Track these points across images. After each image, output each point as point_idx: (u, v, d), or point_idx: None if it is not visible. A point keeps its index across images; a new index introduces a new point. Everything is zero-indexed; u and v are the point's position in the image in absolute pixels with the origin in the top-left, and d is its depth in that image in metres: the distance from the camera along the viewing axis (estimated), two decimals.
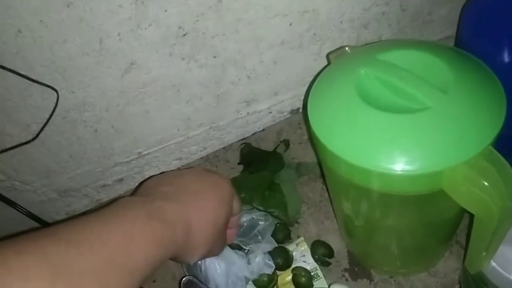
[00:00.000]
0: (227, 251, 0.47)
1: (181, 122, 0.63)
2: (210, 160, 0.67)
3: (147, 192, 0.36)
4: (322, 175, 0.59)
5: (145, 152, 0.65)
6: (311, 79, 0.66)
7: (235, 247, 0.51)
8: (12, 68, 0.47)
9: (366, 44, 0.46)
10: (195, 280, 0.44)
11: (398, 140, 0.33)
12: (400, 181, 0.33)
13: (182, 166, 0.68)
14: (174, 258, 0.35)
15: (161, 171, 0.68)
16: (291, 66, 0.63)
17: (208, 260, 0.45)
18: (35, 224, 0.60)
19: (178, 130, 0.64)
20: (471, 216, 0.34)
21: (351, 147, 0.34)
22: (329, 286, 0.43)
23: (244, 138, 0.68)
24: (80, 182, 0.65)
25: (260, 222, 0.53)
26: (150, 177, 0.41)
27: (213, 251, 0.41)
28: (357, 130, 0.34)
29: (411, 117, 0.33)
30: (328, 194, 0.54)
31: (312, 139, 0.39)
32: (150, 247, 0.29)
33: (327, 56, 0.45)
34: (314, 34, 0.60)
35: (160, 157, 0.67)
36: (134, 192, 0.38)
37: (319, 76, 0.40)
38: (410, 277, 0.49)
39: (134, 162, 0.66)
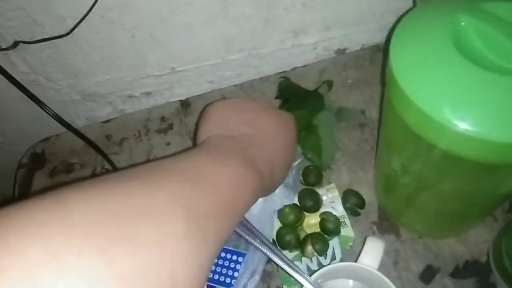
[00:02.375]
0: None
1: (221, 42, 0.59)
2: (245, 89, 0.64)
3: (226, 128, 0.35)
4: (362, 125, 0.57)
5: (179, 69, 0.62)
6: (367, 19, 0.61)
7: None
8: None
9: None
10: None
11: (493, 102, 0.30)
12: (479, 146, 0.31)
13: (213, 90, 0.65)
14: None
15: (191, 91, 0.65)
16: (352, 1, 0.58)
17: None
18: (55, 125, 0.58)
19: (217, 51, 0.60)
20: None
21: (431, 96, 0.31)
22: (365, 238, 0.42)
23: (283, 72, 0.64)
24: (107, 88, 0.62)
25: None
26: (213, 102, 0.38)
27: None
28: (445, 83, 0.31)
29: None
30: (378, 144, 0.52)
31: (386, 78, 0.36)
32: (248, 194, 0.29)
33: None
34: None
35: (192, 77, 0.63)
36: (200, 117, 0.36)
37: (409, 14, 0.35)
38: (439, 240, 0.48)
39: (165, 77, 0.62)
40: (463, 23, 0.32)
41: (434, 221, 0.47)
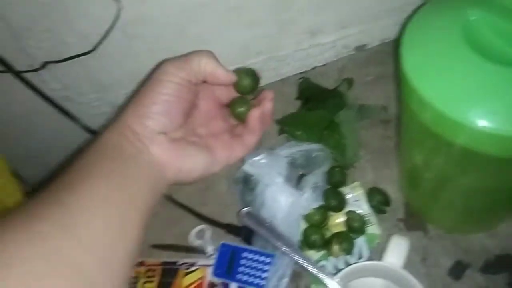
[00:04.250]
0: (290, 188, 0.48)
1: (238, 48, 0.60)
2: None
3: None
4: (384, 121, 0.56)
5: None
6: (384, 14, 0.60)
7: None
8: None
9: None
10: (254, 212, 0.44)
11: (506, 96, 0.29)
12: (496, 141, 0.30)
13: None
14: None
15: None
16: None
17: (270, 193, 0.46)
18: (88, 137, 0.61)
19: (235, 56, 0.61)
20: None
21: (446, 95, 0.31)
22: (389, 238, 0.42)
23: (302, 72, 0.65)
24: None
25: (315, 154, 0.52)
26: None
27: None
28: (459, 80, 0.31)
29: None
30: (400, 141, 0.52)
31: (400, 79, 0.36)
32: (142, 204, 0.28)
33: None
34: None
35: None
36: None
37: (418, 12, 0.35)
38: (468, 235, 0.47)
39: None
40: (473, 17, 0.32)
41: (461, 216, 0.46)
